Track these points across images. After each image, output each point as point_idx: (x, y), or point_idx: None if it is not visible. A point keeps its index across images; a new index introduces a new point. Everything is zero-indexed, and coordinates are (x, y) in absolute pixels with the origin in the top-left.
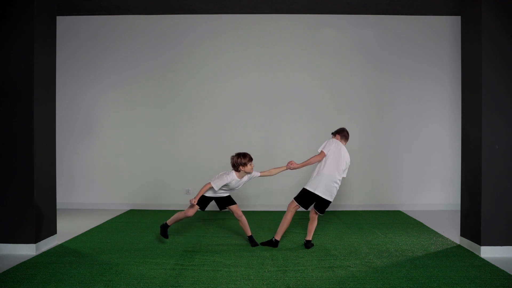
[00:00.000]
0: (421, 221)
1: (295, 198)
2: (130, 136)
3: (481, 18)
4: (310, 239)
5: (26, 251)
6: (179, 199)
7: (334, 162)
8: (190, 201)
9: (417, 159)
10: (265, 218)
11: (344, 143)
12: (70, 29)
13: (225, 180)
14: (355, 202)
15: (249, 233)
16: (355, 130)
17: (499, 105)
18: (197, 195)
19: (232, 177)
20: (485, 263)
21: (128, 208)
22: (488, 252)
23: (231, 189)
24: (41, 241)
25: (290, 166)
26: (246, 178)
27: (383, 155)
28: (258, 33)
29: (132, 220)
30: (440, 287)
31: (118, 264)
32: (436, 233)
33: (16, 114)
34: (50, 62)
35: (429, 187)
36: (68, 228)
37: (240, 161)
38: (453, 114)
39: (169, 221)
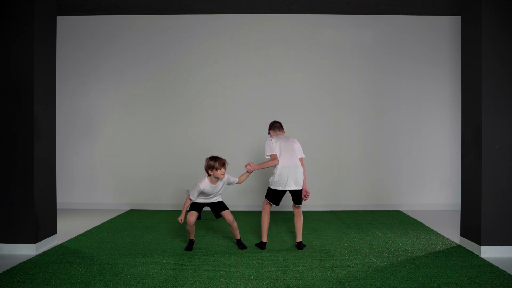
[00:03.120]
0: (421, 221)
1: (266, 196)
2: (130, 136)
3: (481, 18)
4: (301, 239)
5: (26, 251)
6: (179, 199)
7: (286, 154)
8: (178, 220)
9: (417, 159)
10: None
11: (282, 132)
12: (70, 29)
13: (198, 188)
14: (355, 202)
15: (238, 237)
16: (355, 130)
17: (499, 105)
18: (181, 213)
19: (205, 183)
20: (485, 263)
21: (128, 208)
22: (488, 252)
23: (209, 196)
24: (41, 241)
25: (249, 168)
26: (220, 183)
27: (383, 155)
28: (258, 33)
29: (132, 220)
30: (440, 287)
31: (118, 264)
32: (436, 233)
33: (16, 114)
34: (50, 62)
35: (429, 187)
36: (68, 228)
37: (209, 163)
38: (453, 114)
39: (190, 236)
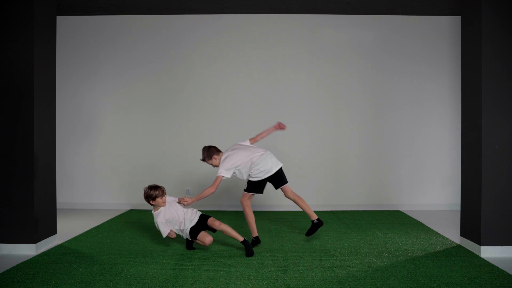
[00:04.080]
0: (421, 221)
1: (246, 190)
2: (130, 136)
3: (481, 18)
4: (316, 216)
5: (26, 251)
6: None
7: (250, 148)
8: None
9: (417, 159)
10: (264, 218)
11: (219, 155)
12: (70, 29)
13: (161, 223)
14: (355, 202)
15: (241, 238)
16: (355, 130)
17: (499, 105)
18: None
19: (161, 213)
20: (485, 263)
21: (128, 208)
22: (488, 252)
23: (181, 222)
24: (41, 241)
25: (183, 203)
26: (168, 207)
27: (383, 155)
28: (258, 33)
29: (132, 220)
30: (440, 287)
31: (118, 264)
32: (436, 233)
33: (16, 114)
34: (50, 62)
35: (429, 187)
36: (68, 228)
37: (149, 193)
38: (453, 114)
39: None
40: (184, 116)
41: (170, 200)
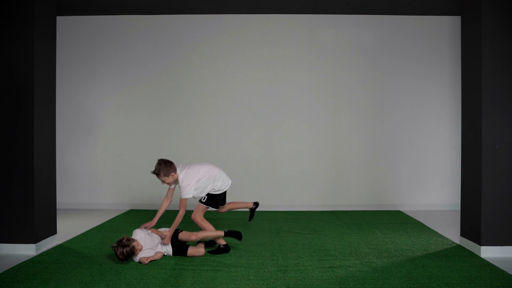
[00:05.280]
0: (421, 221)
1: (204, 202)
2: (130, 136)
3: (481, 18)
4: (247, 204)
5: (26, 251)
6: (178, 199)
7: (202, 166)
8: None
9: (417, 159)
10: (263, 218)
11: (176, 174)
12: (70, 29)
13: (137, 256)
14: (355, 202)
15: (222, 234)
16: (355, 130)
17: (499, 105)
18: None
19: (140, 243)
20: (485, 263)
21: (128, 208)
22: (488, 252)
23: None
24: (41, 241)
25: (163, 243)
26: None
27: (383, 155)
28: (258, 33)
29: (132, 220)
30: (440, 287)
31: (118, 264)
32: (436, 233)
33: (16, 114)
34: (50, 62)
35: (429, 187)
36: (68, 228)
37: (126, 251)
38: (453, 114)
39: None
40: (184, 116)
41: (142, 235)
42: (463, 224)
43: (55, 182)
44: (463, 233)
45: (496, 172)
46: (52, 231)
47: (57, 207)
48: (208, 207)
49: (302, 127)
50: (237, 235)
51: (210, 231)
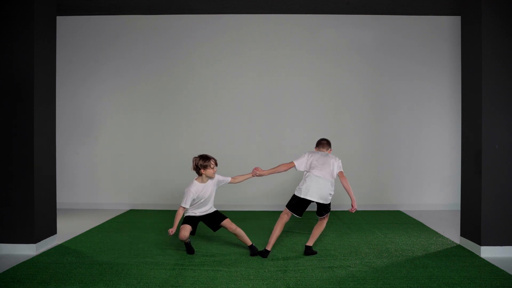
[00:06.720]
0: (421, 221)
1: (287, 205)
2: (130, 136)
3: (481, 18)
4: (311, 244)
5: (26, 251)
6: (179, 199)
7: (319, 166)
8: (169, 232)
9: (417, 159)
10: (265, 218)
11: (326, 149)
12: (70, 29)
13: (190, 193)
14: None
15: (249, 243)
16: (355, 131)
17: (499, 105)
18: (173, 224)
19: (195, 186)
20: (485, 263)
21: (128, 208)
22: (488, 252)
23: (201, 201)
24: (41, 241)
25: (256, 173)
26: (211, 183)
27: (383, 155)
28: (258, 33)
29: (132, 220)
30: (440, 287)
31: (118, 264)
32: (436, 233)
33: (16, 114)
34: (50, 62)
35: (429, 187)
36: (68, 228)
37: (201, 163)
38: (453, 114)
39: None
40: (184, 116)
41: (216, 177)
42: (463, 224)
43: (55, 182)
44: (463, 233)
45: (496, 172)
46: (52, 231)
47: (57, 207)
48: (288, 213)
49: (302, 127)
50: (253, 253)
51: (245, 235)
